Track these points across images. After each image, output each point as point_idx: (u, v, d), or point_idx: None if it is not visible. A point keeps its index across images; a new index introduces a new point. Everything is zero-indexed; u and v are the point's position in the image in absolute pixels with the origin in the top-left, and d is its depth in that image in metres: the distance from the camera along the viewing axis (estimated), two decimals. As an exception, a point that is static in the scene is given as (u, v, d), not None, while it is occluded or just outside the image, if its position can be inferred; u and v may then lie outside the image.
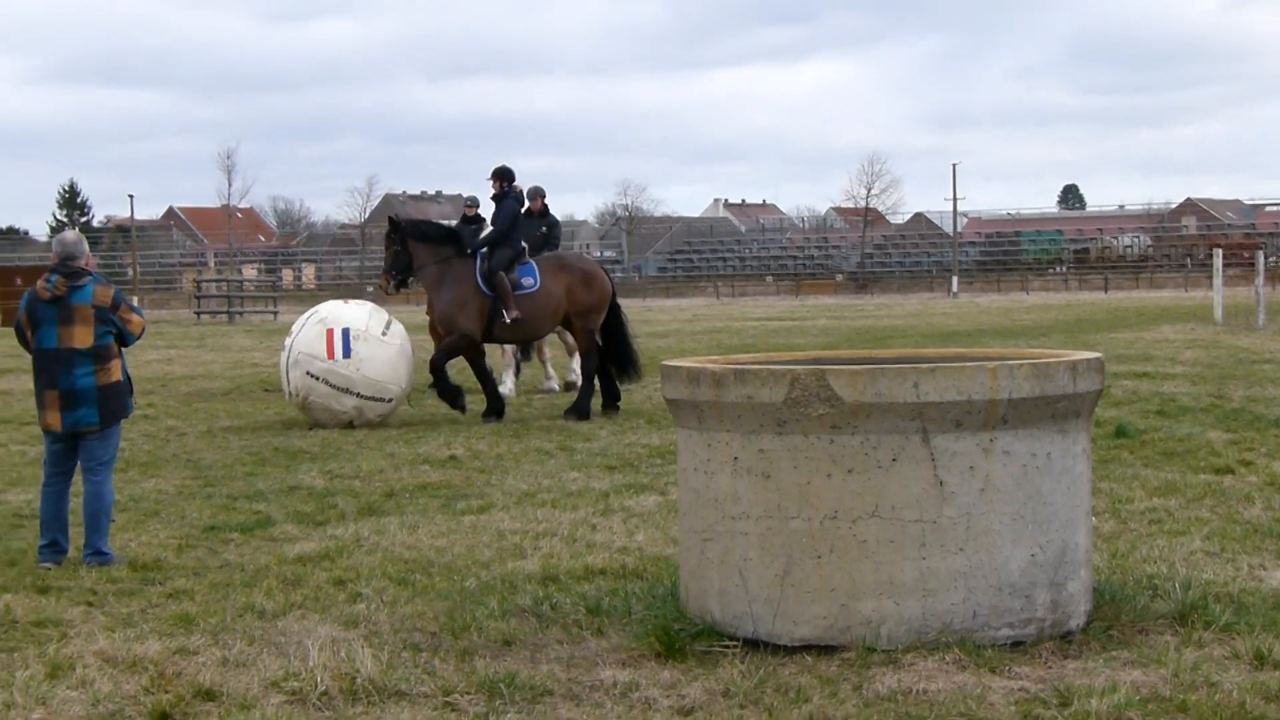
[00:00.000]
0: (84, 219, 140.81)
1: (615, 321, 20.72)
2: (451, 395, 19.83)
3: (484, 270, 19.92)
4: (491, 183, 20.70)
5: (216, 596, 9.48)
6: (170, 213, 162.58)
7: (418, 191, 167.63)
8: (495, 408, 19.86)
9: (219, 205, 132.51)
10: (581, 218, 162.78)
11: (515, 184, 20.73)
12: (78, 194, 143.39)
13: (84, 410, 10.83)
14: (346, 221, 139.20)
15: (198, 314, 70.09)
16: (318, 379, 18.91)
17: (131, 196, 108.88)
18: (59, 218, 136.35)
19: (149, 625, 8.72)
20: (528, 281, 20.13)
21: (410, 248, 20.01)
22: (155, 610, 9.21)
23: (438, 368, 19.70)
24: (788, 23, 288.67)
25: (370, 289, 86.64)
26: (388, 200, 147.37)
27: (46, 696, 7.21)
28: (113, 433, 11.05)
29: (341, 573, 10.09)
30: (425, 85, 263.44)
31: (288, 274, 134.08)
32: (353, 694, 7.10)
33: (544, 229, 23.06)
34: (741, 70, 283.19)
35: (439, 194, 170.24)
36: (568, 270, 20.55)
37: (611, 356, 20.57)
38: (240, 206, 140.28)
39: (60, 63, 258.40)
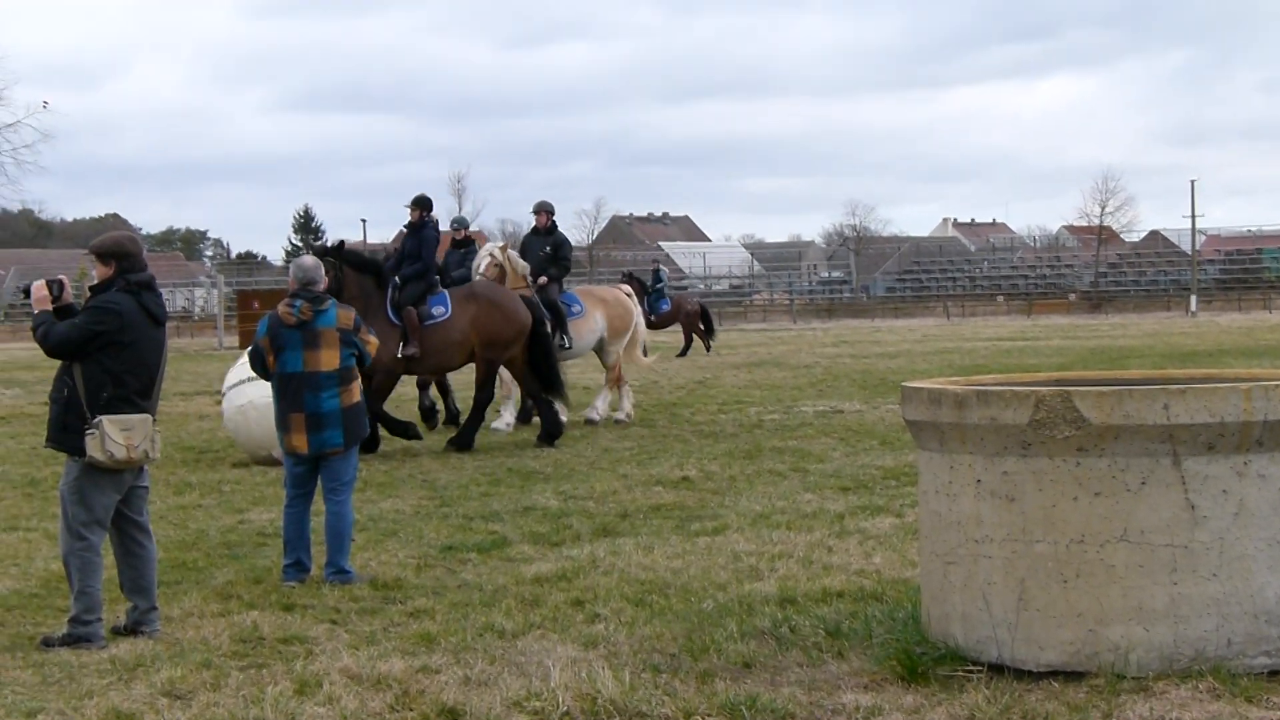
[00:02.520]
0: (318, 243, 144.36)
1: (540, 349, 20.21)
2: (403, 429, 19.65)
3: (394, 300, 19.51)
4: (410, 210, 20.38)
5: (456, 616, 9.63)
6: (399, 235, 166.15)
7: (644, 214, 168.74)
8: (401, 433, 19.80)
9: (449, 228, 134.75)
10: (809, 238, 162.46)
11: (434, 214, 20.42)
12: (312, 219, 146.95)
13: (329, 432, 11.10)
14: (574, 243, 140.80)
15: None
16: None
17: (364, 221, 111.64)
18: (294, 242, 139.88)
19: (391, 643, 8.89)
20: (438, 311, 19.74)
21: (345, 275, 19.11)
22: (397, 629, 9.38)
23: (377, 414, 19.05)
24: (1027, 40, 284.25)
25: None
26: (614, 223, 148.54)
27: (295, 713, 7.37)
28: (353, 453, 11.31)
29: (579, 593, 10.17)
30: (656, 108, 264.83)
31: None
32: (594, 714, 7.14)
33: (549, 247, 22.53)
34: (976, 88, 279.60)
35: (665, 216, 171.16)
36: (476, 301, 20.02)
37: (542, 385, 20.16)
38: (470, 230, 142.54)
39: (302, 91, 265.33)
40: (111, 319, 9.37)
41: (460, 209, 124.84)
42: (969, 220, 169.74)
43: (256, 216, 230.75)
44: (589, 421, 22.57)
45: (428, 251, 20.05)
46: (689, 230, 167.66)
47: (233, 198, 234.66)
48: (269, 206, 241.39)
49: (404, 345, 19.30)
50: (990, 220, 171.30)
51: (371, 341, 11.51)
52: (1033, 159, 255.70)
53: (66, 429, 9.41)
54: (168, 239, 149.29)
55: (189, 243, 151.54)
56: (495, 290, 20.64)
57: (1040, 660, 7.49)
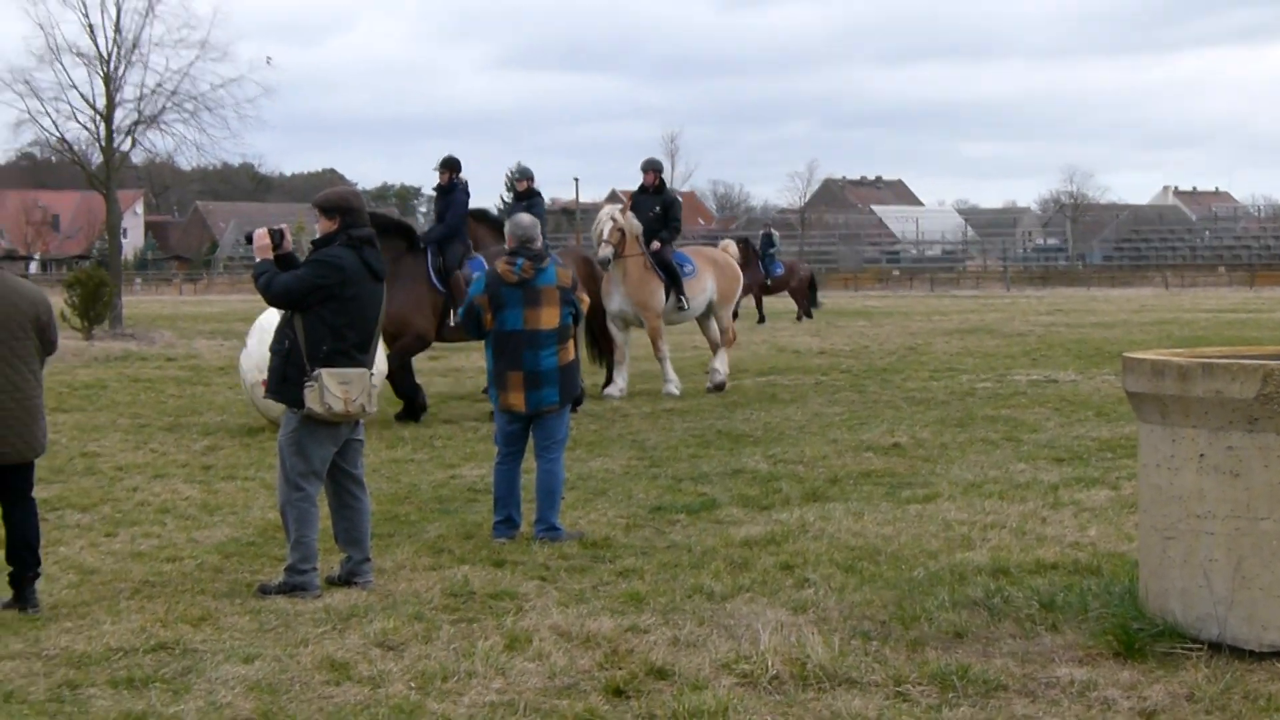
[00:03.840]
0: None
1: (591, 317, 19.67)
2: (410, 392, 18.88)
3: (438, 266, 19.08)
4: (438, 173, 19.88)
5: (665, 576, 9.65)
6: (613, 195, 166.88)
7: (857, 177, 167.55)
8: (412, 411, 18.91)
9: (511, 179, 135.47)
10: (1024, 204, 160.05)
11: (463, 175, 19.80)
12: (522, 177, 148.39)
13: (547, 390, 11.19)
14: (785, 206, 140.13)
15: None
16: None
17: (577, 179, 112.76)
18: (505, 200, 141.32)
19: (600, 602, 8.94)
20: (477, 275, 19.23)
21: None
22: (606, 588, 9.44)
23: (397, 370, 18.72)
24: (1258, 3, 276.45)
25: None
26: (827, 185, 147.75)
27: (505, 667, 7.46)
28: (566, 412, 11.39)
29: (788, 557, 10.14)
30: (873, 69, 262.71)
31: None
32: (803, 679, 7.12)
33: (658, 208, 21.92)
34: (1202, 53, 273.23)
35: (878, 179, 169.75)
36: None
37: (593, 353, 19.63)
38: (682, 190, 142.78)
39: (521, 49, 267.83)
40: (334, 273, 9.53)
41: (674, 170, 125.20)
42: (1190, 189, 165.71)
43: (470, 173, 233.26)
44: (715, 387, 22.22)
45: (454, 214, 19.45)
46: (902, 194, 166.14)
47: (445, 153, 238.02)
48: (482, 163, 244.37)
49: (454, 311, 18.64)
50: (1213, 189, 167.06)
51: (586, 300, 11.59)
52: (1259, 126, 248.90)
53: (286, 380, 9.60)
54: (383, 194, 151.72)
55: (403, 198, 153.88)
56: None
57: (1263, 640, 7.30)
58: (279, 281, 9.57)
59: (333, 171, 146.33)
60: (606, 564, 10.20)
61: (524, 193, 21.15)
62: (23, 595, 9.22)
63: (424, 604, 9.01)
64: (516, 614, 8.63)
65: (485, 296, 11.32)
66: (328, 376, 9.42)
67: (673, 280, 21.88)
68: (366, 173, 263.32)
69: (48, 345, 9.32)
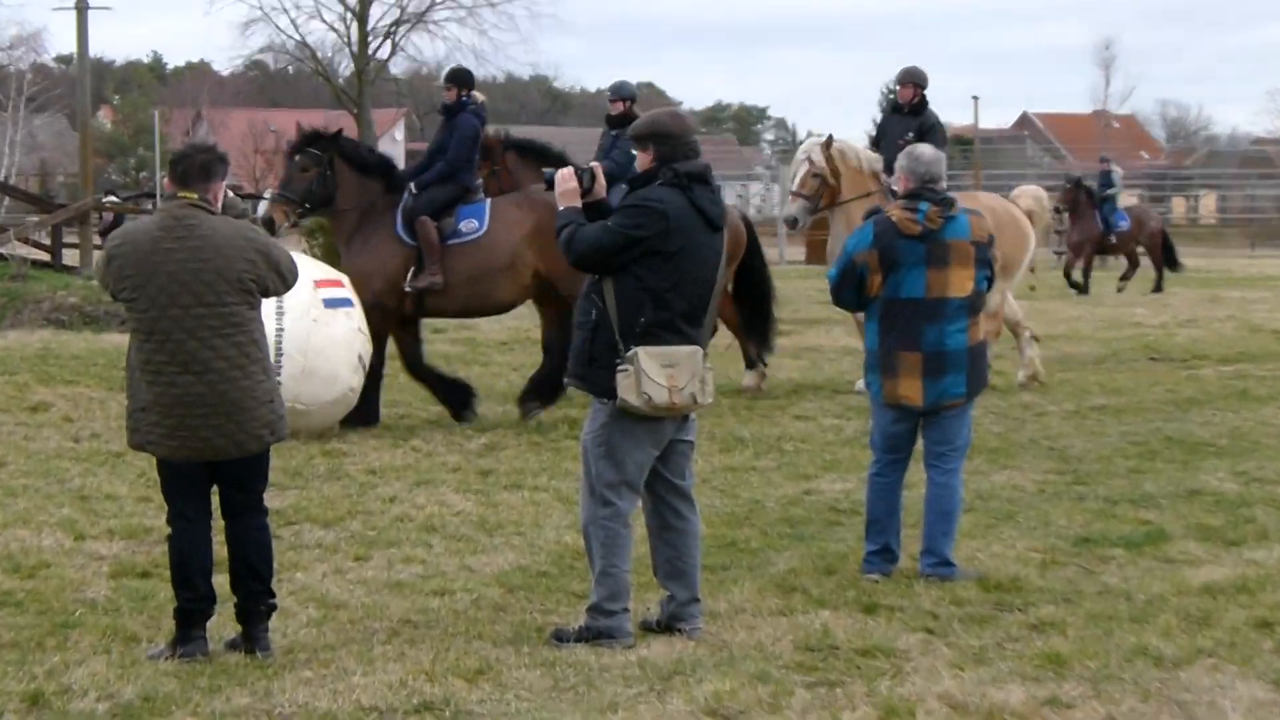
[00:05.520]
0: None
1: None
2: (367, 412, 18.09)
3: (407, 209, 18.54)
4: (445, 89, 19.22)
5: (1095, 632, 9.55)
6: (1024, 120, 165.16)
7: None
8: (458, 408, 18.61)
9: (1090, 111, 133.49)
10: None
11: (476, 93, 18.94)
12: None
13: (951, 377, 11.06)
14: (1262, 135, 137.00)
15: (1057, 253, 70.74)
16: None
17: (975, 99, 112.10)
18: (875, 121, 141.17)
19: (1007, 664, 8.89)
20: (469, 226, 18.60)
21: (339, 175, 18.39)
22: (1015, 645, 9.37)
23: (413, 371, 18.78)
24: None
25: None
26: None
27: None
28: (969, 410, 11.30)
29: (1265, 612, 9.96)
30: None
31: (1178, 203, 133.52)
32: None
33: (912, 133, 20.89)
34: None
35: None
36: (533, 209, 18.44)
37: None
38: (1118, 113, 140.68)
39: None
40: (654, 221, 9.59)
41: (1107, 86, 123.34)
42: None
43: (832, 90, 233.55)
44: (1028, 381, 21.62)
45: (457, 145, 18.81)
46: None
47: (801, 65, 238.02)
48: (849, 79, 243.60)
49: (415, 272, 18.31)
50: None
51: (998, 258, 11.47)
52: None
53: (593, 362, 9.69)
54: (715, 117, 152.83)
55: (743, 123, 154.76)
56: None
57: None
58: (585, 236, 9.65)
59: (649, 87, 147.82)
60: (1015, 613, 10.14)
61: (619, 118, 20.69)
62: (251, 634, 9.51)
63: (770, 660, 9.06)
64: (894, 677, 8.63)
65: (873, 252, 11.14)
66: (647, 357, 9.48)
67: None
68: (694, 90, 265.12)
69: (275, 288, 9.57)
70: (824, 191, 20.78)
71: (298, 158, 18.67)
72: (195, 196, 9.40)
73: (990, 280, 11.25)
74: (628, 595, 9.74)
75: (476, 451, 16.53)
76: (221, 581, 9.69)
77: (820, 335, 28.74)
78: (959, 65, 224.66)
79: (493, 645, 9.48)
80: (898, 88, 22.17)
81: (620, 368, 9.52)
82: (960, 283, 11.03)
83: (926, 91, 21.65)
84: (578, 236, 9.65)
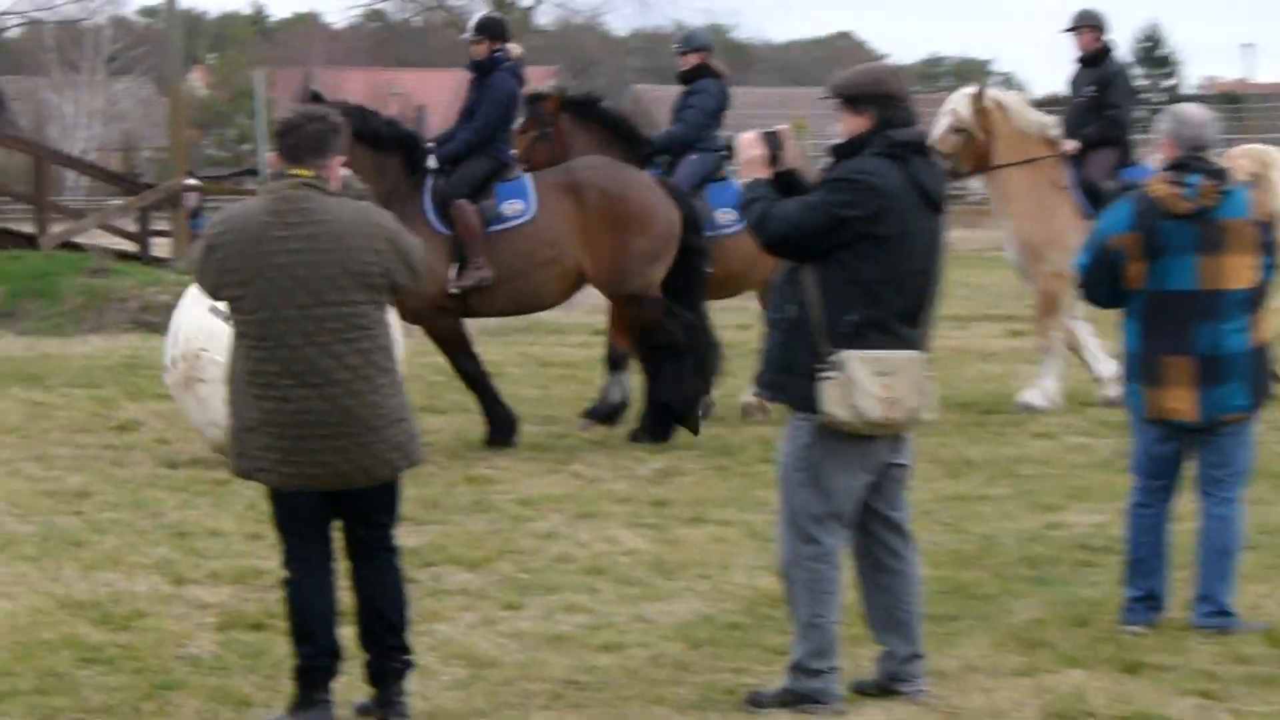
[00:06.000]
0: (1170, 82, 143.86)
1: (687, 275, 18.40)
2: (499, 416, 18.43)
3: (437, 192, 18.46)
4: (472, 41, 18.86)
5: None
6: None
7: None
8: (499, 428, 18.44)
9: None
10: None
11: (511, 46, 18.66)
12: (1158, 45, 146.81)
13: (1231, 386, 10.93)
14: None
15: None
16: None
17: (1247, 45, 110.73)
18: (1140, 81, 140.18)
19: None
20: (513, 208, 18.53)
21: (355, 153, 17.22)
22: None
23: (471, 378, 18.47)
24: None
25: None
26: None
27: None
28: (1251, 425, 11.16)
29: None
30: None
31: None
32: None
33: (1093, 85, 20.72)
34: None
35: None
36: (580, 189, 18.45)
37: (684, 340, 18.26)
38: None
39: None
40: (867, 198, 9.56)
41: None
42: None
43: (1060, 43, 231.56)
44: None
45: (488, 109, 18.78)
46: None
47: (1034, 8, 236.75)
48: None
49: (459, 269, 18.19)
50: None
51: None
52: None
53: (791, 369, 9.67)
54: (929, 73, 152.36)
55: (963, 80, 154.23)
56: (614, 171, 19.12)
57: None
58: (782, 214, 9.62)
59: (846, 38, 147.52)
60: (1313, 674, 10.06)
61: (691, 72, 20.37)
62: (385, 698, 9.57)
63: (1012, 730, 9.04)
64: (1166, 752, 8.59)
65: (1132, 236, 11.04)
66: (857, 363, 9.46)
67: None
68: (901, 40, 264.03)
69: (404, 282, 9.56)
70: (967, 152, 20.56)
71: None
72: (309, 174, 9.39)
73: (1275, 268, 11.12)
74: (836, 651, 9.73)
75: (650, 478, 16.56)
76: (348, 634, 9.74)
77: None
78: (1227, 8, 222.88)
79: (675, 711, 9.54)
80: (1073, 35, 21.53)
81: (825, 375, 9.49)
82: (1239, 272, 10.90)
83: (1108, 37, 21.33)
84: (772, 215, 9.61)
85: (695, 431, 18.11)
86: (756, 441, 17.40)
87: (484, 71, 18.86)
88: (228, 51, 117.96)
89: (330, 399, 9.25)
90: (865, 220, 9.49)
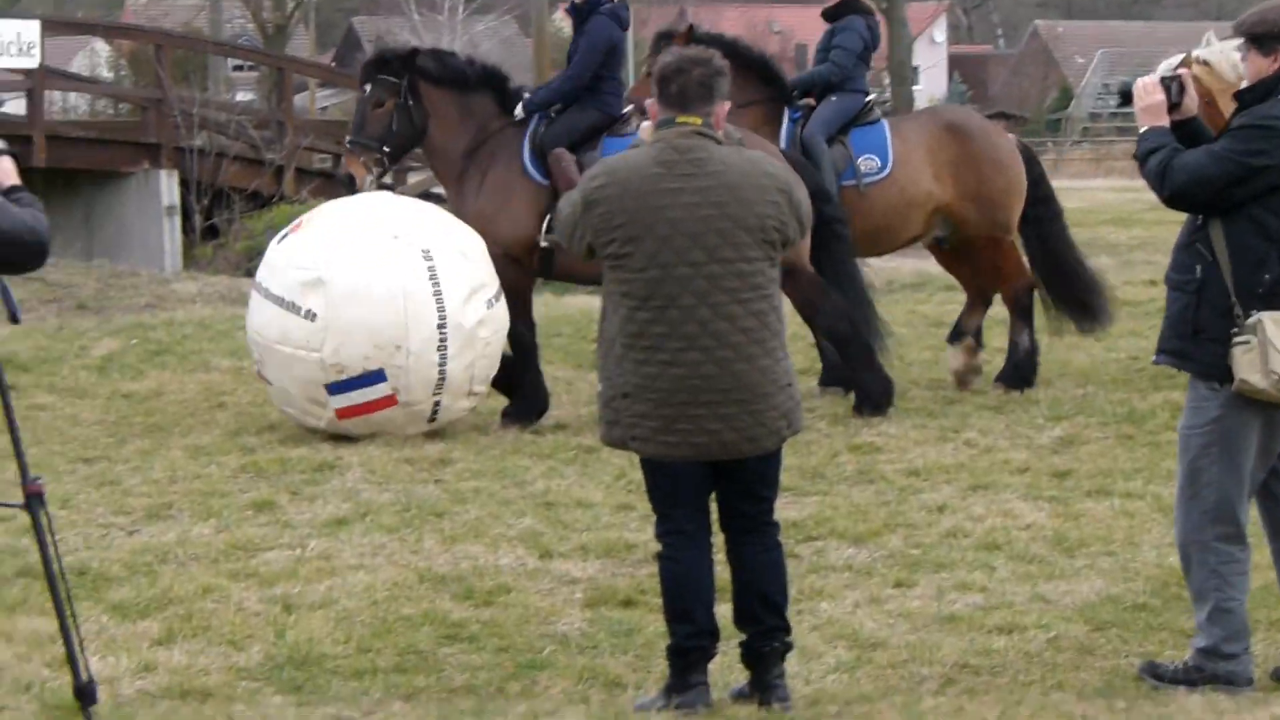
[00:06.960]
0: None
1: (831, 249, 17.71)
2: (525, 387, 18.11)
3: (536, 139, 18.17)
4: None
5: None
6: None
7: None
8: (518, 407, 18.00)
9: None
10: None
11: None
12: None
13: None
14: None
15: None
16: None
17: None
18: None
19: None
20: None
21: (426, 98, 18.09)
22: None
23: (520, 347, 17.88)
24: None
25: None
26: None
27: None
28: None
29: None
30: None
31: None
32: None
33: None
34: None
35: None
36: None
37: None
38: None
39: None
40: (1279, 146, 9.47)
41: None
42: None
43: None
44: None
45: (583, 56, 18.52)
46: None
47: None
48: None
49: (550, 221, 17.40)
50: None
51: None
52: None
53: (1197, 334, 9.56)
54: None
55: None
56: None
57: None
58: (1185, 164, 9.50)
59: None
60: None
61: (836, 8, 20.04)
62: (764, 680, 9.56)
63: None
64: None
65: None
66: (1277, 325, 9.34)
67: None
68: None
69: (796, 238, 9.58)
70: (1204, 100, 19.89)
71: (368, 89, 18.49)
72: (699, 122, 9.36)
73: None
74: (1248, 631, 9.65)
75: (1050, 446, 16.32)
76: (724, 613, 9.78)
77: None
78: None
79: (1077, 699, 9.49)
80: None
81: (1239, 340, 9.37)
82: None
83: None
84: (1175, 165, 9.52)
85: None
86: (1165, 407, 17.07)
87: (582, 15, 18.65)
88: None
89: (722, 363, 9.23)
90: (1278, 170, 9.38)
